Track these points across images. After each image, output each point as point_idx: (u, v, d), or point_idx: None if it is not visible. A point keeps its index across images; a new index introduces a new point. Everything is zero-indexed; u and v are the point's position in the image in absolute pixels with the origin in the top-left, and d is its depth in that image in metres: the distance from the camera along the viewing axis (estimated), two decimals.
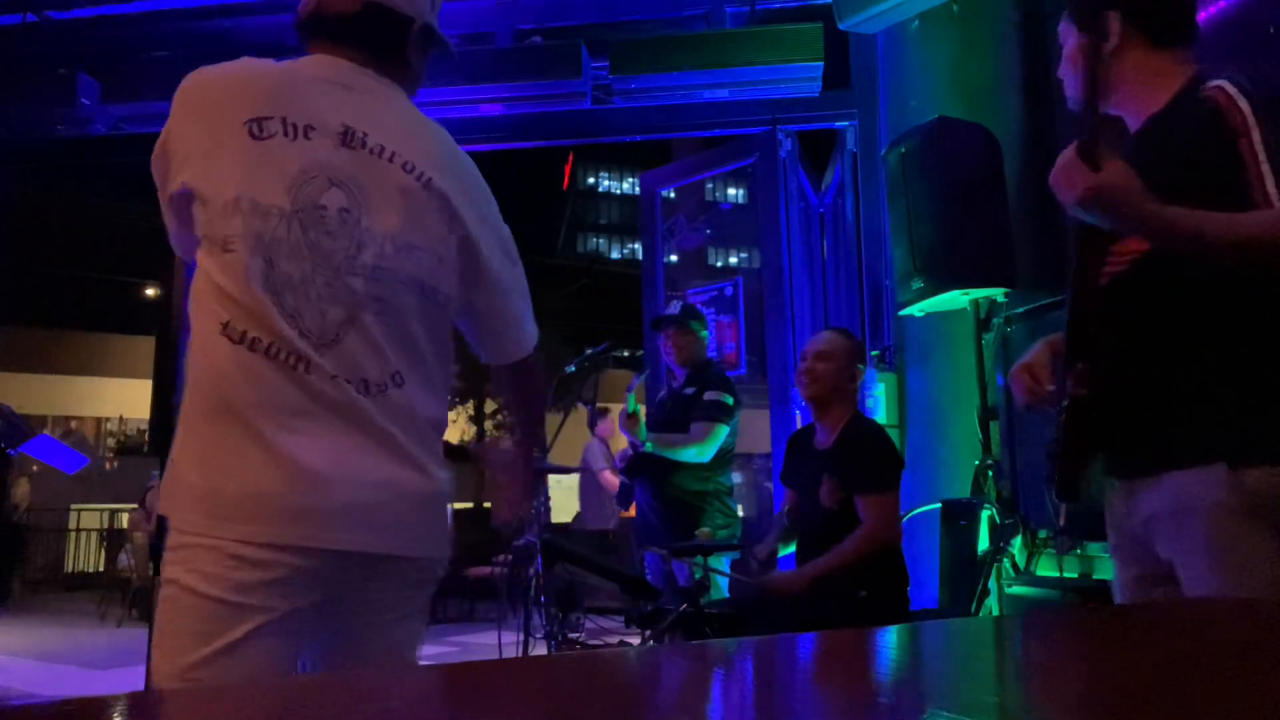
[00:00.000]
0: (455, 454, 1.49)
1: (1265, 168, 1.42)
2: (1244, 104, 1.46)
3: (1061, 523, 3.14)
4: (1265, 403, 1.46)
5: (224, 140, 1.30)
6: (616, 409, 3.75)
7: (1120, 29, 1.64)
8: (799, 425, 4.59)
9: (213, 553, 1.20)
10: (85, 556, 11.84)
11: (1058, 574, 3.35)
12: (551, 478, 3.63)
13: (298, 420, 1.25)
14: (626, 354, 18.86)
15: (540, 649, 3.15)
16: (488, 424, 20.22)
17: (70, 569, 11.87)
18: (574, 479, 7.68)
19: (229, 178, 1.28)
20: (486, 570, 7.87)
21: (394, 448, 1.30)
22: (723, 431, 3.63)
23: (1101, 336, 1.59)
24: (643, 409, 3.77)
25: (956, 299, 3.67)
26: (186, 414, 1.29)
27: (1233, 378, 1.49)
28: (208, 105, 1.33)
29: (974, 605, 3.13)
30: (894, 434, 4.28)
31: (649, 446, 3.63)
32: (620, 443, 4.62)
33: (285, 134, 1.31)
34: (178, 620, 1.22)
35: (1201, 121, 1.50)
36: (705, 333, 3.93)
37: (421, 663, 1.43)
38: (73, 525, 11.84)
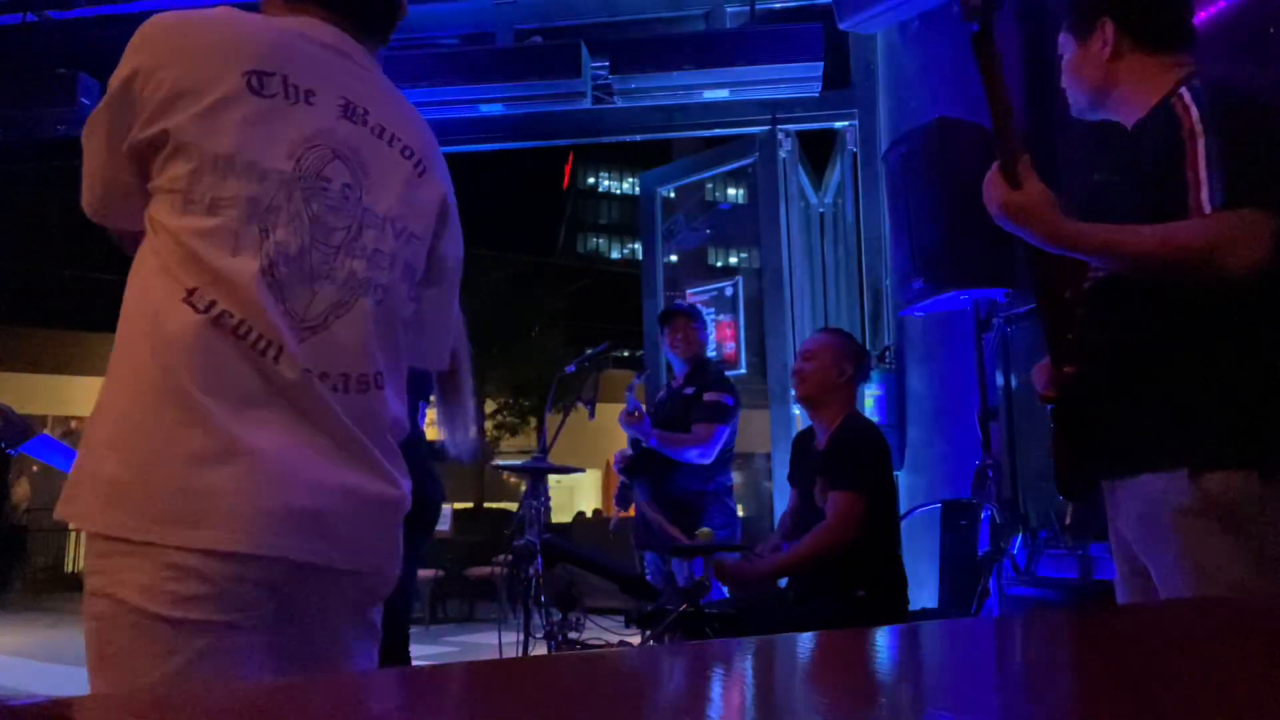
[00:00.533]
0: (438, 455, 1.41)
1: (1203, 175, 1.45)
2: (1194, 112, 1.49)
3: (1068, 521, 3.15)
4: (1226, 408, 1.48)
5: (217, 89, 1.13)
6: (616, 409, 3.75)
7: (1115, 35, 1.67)
8: (798, 425, 4.60)
9: (146, 560, 1.03)
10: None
11: (1057, 574, 3.35)
12: (551, 478, 3.63)
13: (256, 411, 1.09)
14: (626, 354, 18.85)
15: (540, 649, 3.15)
16: (489, 424, 20.22)
17: (70, 569, 11.89)
18: (574, 479, 7.69)
19: (224, 131, 1.12)
20: (486, 570, 7.88)
21: (359, 452, 1.17)
22: (724, 433, 3.64)
23: (1081, 340, 1.63)
24: (644, 406, 3.77)
25: (956, 299, 3.67)
26: (112, 396, 1.11)
27: (1196, 384, 1.51)
28: (195, 49, 1.15)
29: (974, 605, 3.13)
30: (894, 434, 4.29)
31: (652, 443, 3.64)
32: None
33: (286, 96, 1.17)
34: (117, 641, 1.04)
35: (1164, 130, 1.54)
36: (706, 332, 3.96)
37: (422, 663, 1.43)
38: (73, 525, 11.84)
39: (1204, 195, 1.44)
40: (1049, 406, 1.72)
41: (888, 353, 4.69)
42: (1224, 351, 1.50)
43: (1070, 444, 1.68)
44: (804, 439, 3.10)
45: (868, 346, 4.81)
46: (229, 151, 1.12)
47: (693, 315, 3.87)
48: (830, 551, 2.65)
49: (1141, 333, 1.57)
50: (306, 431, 1.12)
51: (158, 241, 1.12)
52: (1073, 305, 1.67)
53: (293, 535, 1.09)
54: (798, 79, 4.89)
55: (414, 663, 2.63)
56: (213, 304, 1.08)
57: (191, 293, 1.09)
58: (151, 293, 1.11)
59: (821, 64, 4.79)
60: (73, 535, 11.92)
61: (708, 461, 3.62)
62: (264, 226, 1.12)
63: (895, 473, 3.82)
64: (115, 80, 1.14)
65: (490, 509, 13.71)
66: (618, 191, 52.24)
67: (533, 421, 20.49)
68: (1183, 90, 1.54)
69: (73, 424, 16.08)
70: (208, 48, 1.16)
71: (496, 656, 3.43)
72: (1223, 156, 1.45)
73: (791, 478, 3.10)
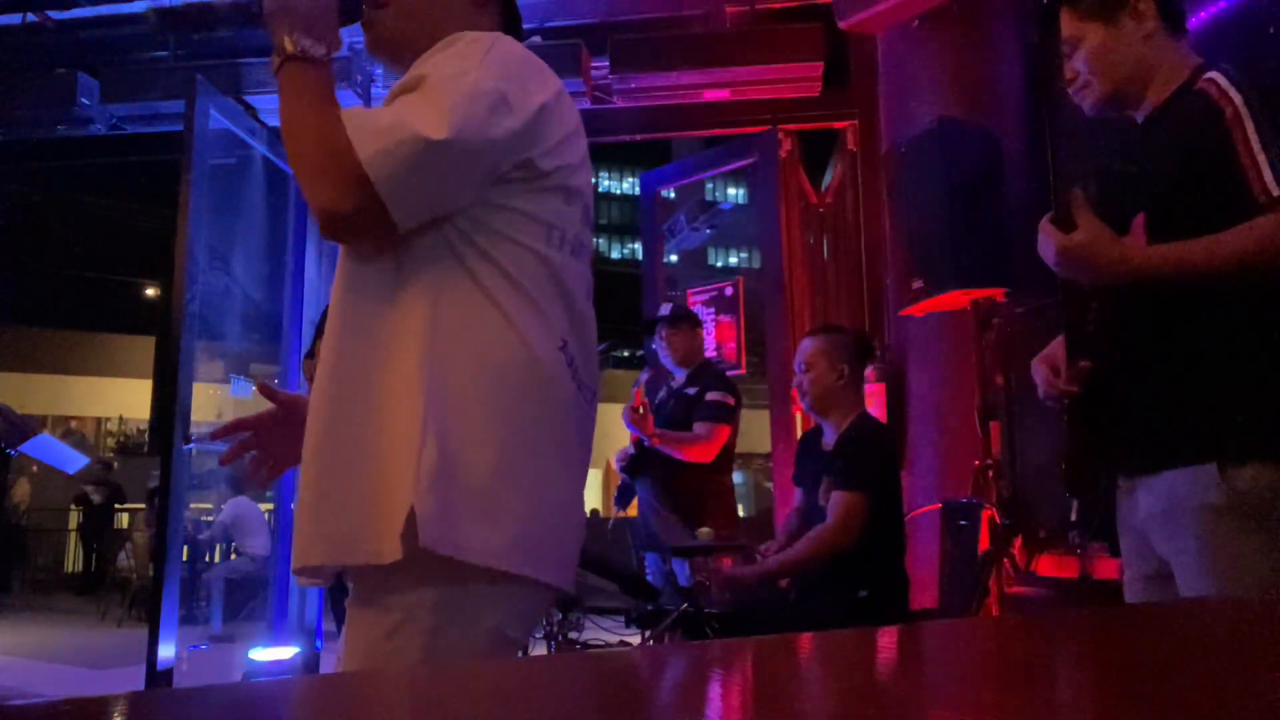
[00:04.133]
0: None
1: (1261, 158, 1.41)
2: (1235, 95, 1.45)
3: (1073, 518, 3.15)
4: (1255, 403, 1.46)
5: (584, 139, 1.23)
6: (617, 409, 3.74)
7: (1156, 11, 1.61)
8: (799, 425, 4.60)
9: (533, 591, 1.11)
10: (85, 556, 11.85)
11: (1057, 574, 3.35)
12: None
13: (584, 450, 1.21)
14: (626, 354, 18.85)
15: (540, 649, 3.15)
16: None
17: (70, 569, 11.88)
18: None
19: (588, 184, 1.22)
20: None
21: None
22: (725, 433, 3.64)
23: (1101, 334, 1.60)
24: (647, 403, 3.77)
25: (956, 299, 3.67)
26: (489, 430, 1.08)
27: (1224, 378, 1.49)
28: (569, 100, 1.22)
29: (974, 605, 3.13)
30: (893, 434, 4.28)
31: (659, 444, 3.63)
32: None
33: (587, 148, 1.28)
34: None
35: (1196, 115, 1.50)
36: (701, 332, 3.93)
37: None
38: (73, 525, 11.84)
39: (1268, 177, 1.39)
40: (1052, 403, 1.68)
41: (888, 353, 4.69)
42: (1250, 342, 1.48)
43: (1085, 440, 1.65)
44: (810, 439, 3.09)
45: None
46: (588, 202, 1.23)
47: (675, 321, 3.82)
48: (830, 552, 2.65)
49: (1165, 325, 1.53)
50: (588, 461, 1.23)
51: (522, 264, 1.12)
52: (1088, 298, 1.62)
53: (569, 571, 1.18)
54: (798, 79, 4.89)
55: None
56: (573, 361, 1.16)
57: (564, 345, 1.15)
58: (521, 327, 1.11)
59: (821, 64, 4.79)
60: (72, 536, 11.91)
61: (708, 460, 3.62)
62: (592, 273, 1.24)
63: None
64: (526, 102, 1.12)
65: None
66: (618, 191, 52.22)
67: None
68: (1213, 74, 1.49)
69: (73, 424, 16.08)
70: (569, 103, 1.22)
71: None
72: (1276, 140, 1.41)
73: (796, 478, 3.10)
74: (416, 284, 1.09)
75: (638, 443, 3.73)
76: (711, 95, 5.15)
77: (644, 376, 3.87)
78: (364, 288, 1.12)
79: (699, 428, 3.61)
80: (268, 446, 1.40)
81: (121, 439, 16.87)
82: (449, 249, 1.10)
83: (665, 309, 3.97)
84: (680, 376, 3.84)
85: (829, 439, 2.92)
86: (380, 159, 1.02)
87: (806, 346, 3.00)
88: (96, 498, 10.75)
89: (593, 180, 1.32)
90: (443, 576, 1.05)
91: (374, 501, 1.05)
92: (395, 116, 1.04)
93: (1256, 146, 1.41)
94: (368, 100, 5.02)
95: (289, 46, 1.11)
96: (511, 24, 1.33)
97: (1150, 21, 1.60)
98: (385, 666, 1.04)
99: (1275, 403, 1.46)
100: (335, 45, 1.16)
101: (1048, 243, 1.53)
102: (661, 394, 4.05)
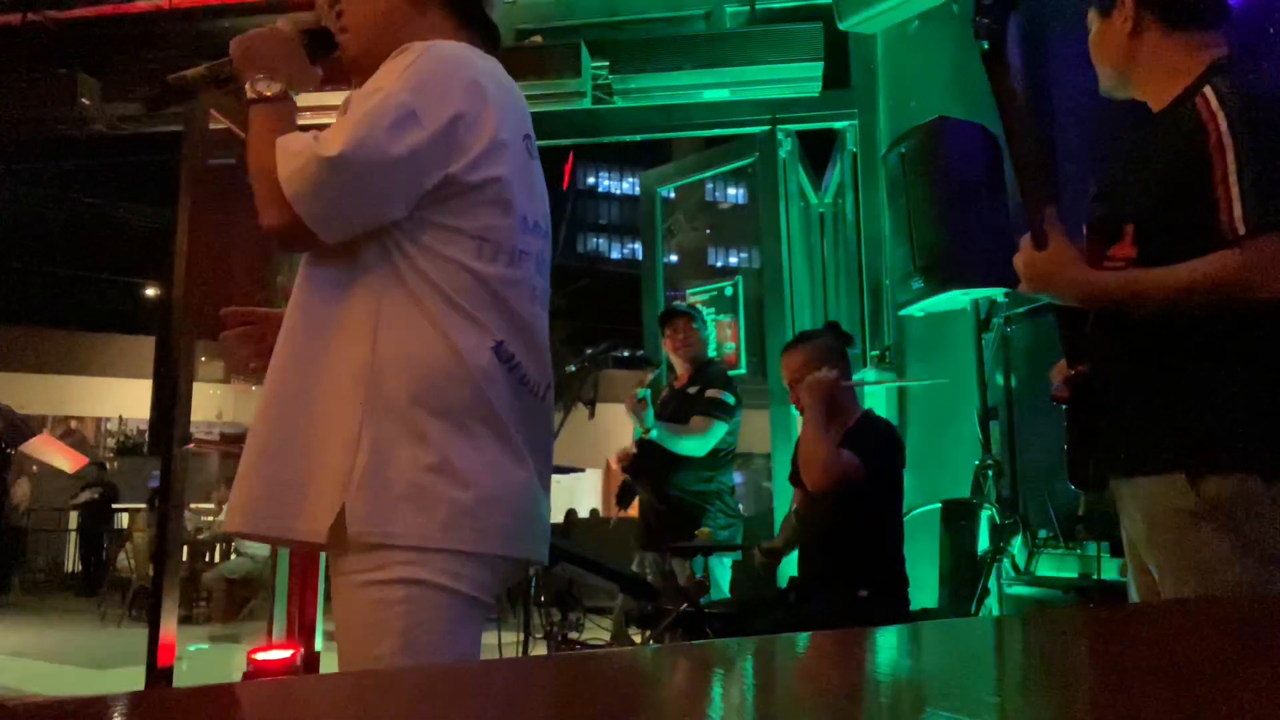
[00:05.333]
0: None
1: (1234, 191, 1.40)
2: (1221, 119, 1.43)
3: (1080, 513, 3.15)
4: (1226, 412, 1.47)
5: (518, 149, 1.28)
6: (620, 408, 3.74)
7: (1135, 10, 1.60)
8: (799, 425, 4.58)
9: (488, 563, 1.22)
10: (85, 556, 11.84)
11: (1057, 574, 3.35)
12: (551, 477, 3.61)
13: (536, 440, 1.28)
14: (626, 354, 18.85)
15: (540, 649, 3.15)
16: None
17: (70, 569, 11.87)
18: (574, 479, 7.68)
19: (524, 191, 1.28)
20: None
21: (549, 463, 1.37)
22: (721, 428, 3.64)
23: (1096, 341, 1.62)
24: (650, 393, 3.77)
25: (956, 299, 3.67)
26: (427, 426, 1.19)
27: (1195, 387, 1.50)
28: (511, 107, 1.29)
29: (974, 605, 3.13)
30: None
31: (654, 434, 3.63)
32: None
33: (530, 154, 1.32)
34: (429, 617, 1.19)
35: (1184, 133, 1.48)
36: (707, 332, 3.95)
37: None
38: (72, 525, 11.83)
39: (1236, 214, 1.39)
40: (1060, 405, 1.71)
41: (888, 353, 4.68)
42: (1224, 354, 1.48)
43: (1083, 439, 1.68)
44: None
45: (868, 347, 4.80)
46: (527, 210, 1.27)
47: (692, 315, 3.87)
48: (817, 476, 2.64)
49: (1144, 336, 1.55)
50: (547, 456, 1.33)
51: (449, 277, 1.20)
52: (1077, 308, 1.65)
53: (528, 542, 1.28)
54: (798, 79, 4.88)
55: None
56: (513, 358, 1.24)
57: (499, 345, 1.23)
58: (449, 333, 1.20)
59: (821, 64, 4.78)
60: (72, 536, 11.90)
61: (702, 454, 3.62)
62: (542, 281, 1.30)
63: None
64: (437, 114, 1.18)
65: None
66: (618, 191, 52.18)
67: None
68: (1207, 90, 1.47)
69: (73, 424, 16.06)
70: (514, 109, 1.29)
71: (496, 656, 3.43)
72: (1255, 171, 1.39)
73: (794, 477, 3.09)
74: (361, 290, 1.21)
75: (638, 442, 3.73)
76: (711, 95, 5.15)
77: (651, 376, 3.88)
78: (318, 290, 1.23)
79: (695, 420, 3.63)
80: (262, 341, 1.49)
81: (121, 439, 16.87)
82: (388, 259, 1.21)
83: (678, 306, 4.00)
84: (683, 375, 3.85)
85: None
86: (291, 180, 1.14)
87: (789, 360, 2.98)
88: (88, 494, 10.77)
89: (544, 188, 1.37)
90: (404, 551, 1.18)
91: (304, 488, 1.18)
92: (308, 140, 1.16)
93: (1233, 178, 1.40)
94: None
95: (249, 92, 1.27)
96: (476, 25, 1.38)
97: (1133, 19, 1.60)
98: (370, 614, 1.17)
99: (1246, 413, 1.47)
100: (304, 81, 1.31)
101: (1017, 257, 1.58)
102: (664, 393, 4.05)
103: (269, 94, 1.25)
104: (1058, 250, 1.52)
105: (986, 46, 1.54)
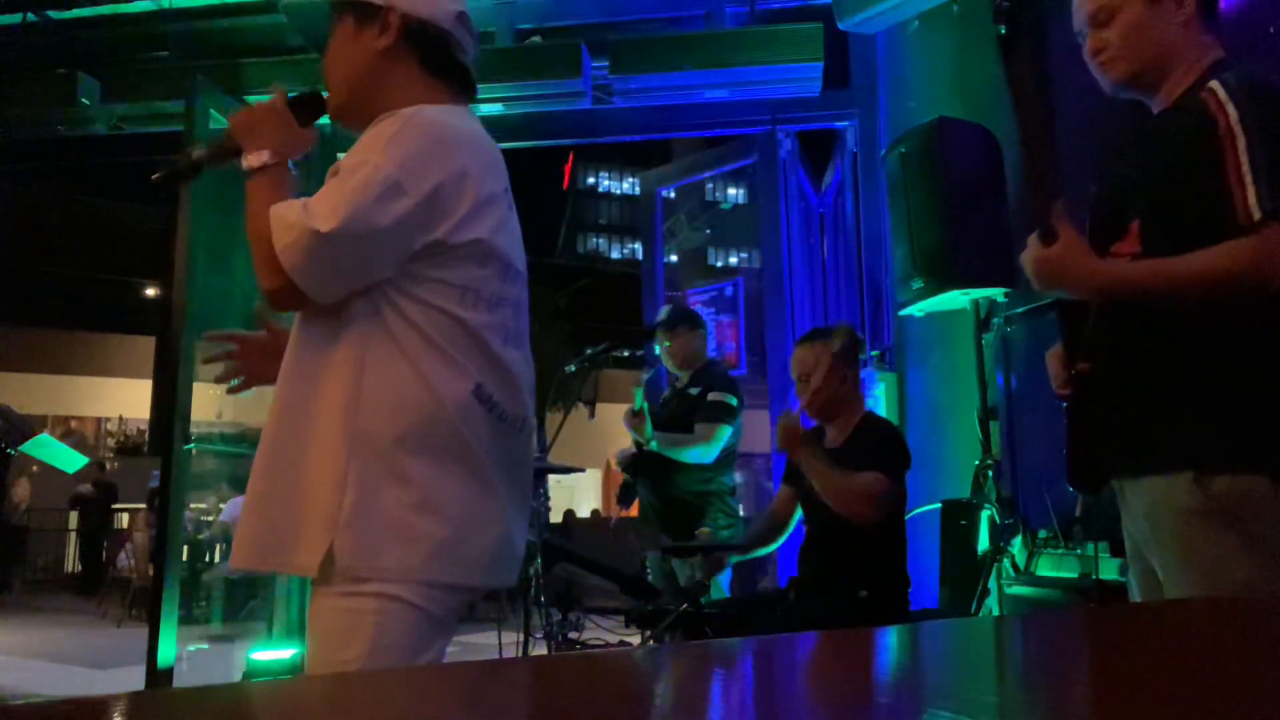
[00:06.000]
0: None
1: (1247, 179, 1.39)
2: (1231, 110, 1.42)
3: (1078, 514, 3.14)
4: (1229, 412, 1.47)
5: (501, 202, 1.37)
6: (620, 409, 3.73)
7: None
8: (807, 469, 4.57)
9: (456, 591, 1.32)
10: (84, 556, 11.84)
11: (1057, 574, 3.35)
12: (551, 478, 3.62)
13: (510, 474, 1.37)
14: (626, 354, 18.88)
15: (540, 649, 3.15)
16: None
17: (70, 569, 11.87)
18: (574, 479, 7.68)
19: (506, 242, 1.37)
20: None
21: (528, 500, 1.46)
22: (726, 432, 3.62)
23: (1098, 338, 1.61)
24: (648, 405, 3.76)
25: (956, 299, 3.66)
26: (409, 464, 1.28)
27: (1201, 388, 1.49)
28: (490, 164, 1.38)
29: (974, 605, 3.12)
30: None
31: (654, 445, 3.62)
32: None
33: (508, 206, 1.41)
34: (397, 629, 1.27)
35: (1194, 126, 1.47)
36: (702, 332, 3.91)
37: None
38: (73, 525, 11.84)
39: (1251, 200, 1.38)
40: (1061, 403, 1.70)
41: (888, 353, 4.68)
42: (1231, 353, 1.48)
43: (1082, 440, 1.66)
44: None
45: (868, 347, 4.80)
46: (509, 260, 1.37)
47: (671, 326, 3.79)
48: (844, 506, 2.64)
49: (1152, 335, 1.54)
50: (523, 485, 1.41)
51: (436, 324, 1.30)
52: (1087, 302, 1.63)
53: (500, 571, 1.36)
54: (798, 79, 4.88)
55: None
56: (491, 398, 1.32)
57: (479, 387, 1.31)
58: (430, 378, 1.29)
59: (821, 64, 4.78)
60: (72, 536, 11.91)
61: (709, 461, 3.61)
62: (519, 322, 1.39)
63: None
64: (420, 183, 1.27)
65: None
66: (618, 191, 52.18)
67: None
68: (1214, 83, 1.46)
69: (73, 424, 16.07)
70: (496, 166, 1.39)
71: (496, 656, 3.43)
72: (1267, 160, 1.38)
73: (790, 477, 3.09)
74: (350, 336, 1.30)
75: (639, 443, 3.72)
76: (711, 95, 5.15)
77: (645, 378, 3.86)
78: (310, 338, 1.33)
79: (699, 428, 3.61)
80: (247, 359, 1.62)
81: (121, 439, 16.86)
82: (376, 311, 1.30)
83: (661, 312, 3.96)
84: (684, 377, 3.83)
85: (833, 437, 2.91)
86: (286, 252, 1.24)
87: (803, 356, 2.96)
88: (86, 488, 10.78)
89: (519, 232, 1.45)
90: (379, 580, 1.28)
91: (297, 527, 1.27)
92: (301, 211, 1.25)
93: (1245, 166, 1.39)
94: None
95: (244, 164, 1.38)
96: (448, 73, 1.49)
97: (1190, 6, 1.56)
98: (341, 620, 1.26)
99: (1254, 412, 1.46)
100: (297, 147, 1.42)
101: (1026, 254, 1.55)
102: (665, 394, 4.05)
103: (258, 165, 1.36)
104: (1069, 243, 1.49)
105: (1004, 31, 1.51)
